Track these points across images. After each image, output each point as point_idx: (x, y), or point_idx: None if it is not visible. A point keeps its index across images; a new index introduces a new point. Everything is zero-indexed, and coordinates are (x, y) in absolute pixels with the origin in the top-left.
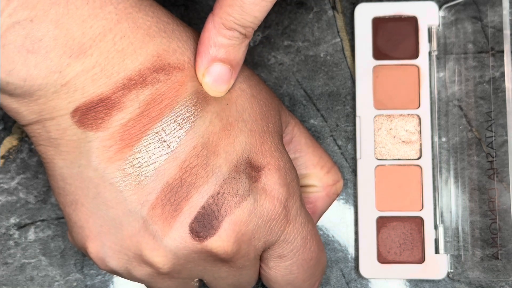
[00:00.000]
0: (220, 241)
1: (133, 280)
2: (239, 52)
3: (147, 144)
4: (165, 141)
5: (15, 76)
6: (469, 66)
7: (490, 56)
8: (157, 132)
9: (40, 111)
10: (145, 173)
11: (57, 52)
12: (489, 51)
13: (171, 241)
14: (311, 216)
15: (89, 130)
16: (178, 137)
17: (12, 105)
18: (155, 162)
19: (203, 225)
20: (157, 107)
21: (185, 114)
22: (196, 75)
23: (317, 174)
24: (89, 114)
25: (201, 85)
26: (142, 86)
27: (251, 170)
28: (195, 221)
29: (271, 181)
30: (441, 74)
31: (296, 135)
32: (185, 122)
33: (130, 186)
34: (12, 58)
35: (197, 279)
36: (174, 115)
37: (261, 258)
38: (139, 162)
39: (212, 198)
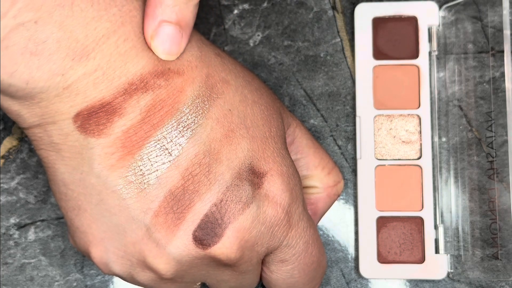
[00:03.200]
0: (224, 248)
1: (136, 284)
2: (187, 11)
3: (149, 152)
4: (166, 148)
5: (17, 78)
6: (469, 66)
7: (490, 56)
8: (158, 140)
9: (42, 114)
10: (147, 181)
11: (60, 55)
12: (489, 51)
13: (174, 249)
14: (312, 219)
15: (91, 136)
16: (180, 144)
17: (13, 107)
18: (157, 170)
19: (206, 233)
20: (158, 114)
21: (186, 121)
22: (195, 77)
23: (318, 175)
24: (91, 119)
25: (200, 89)
26: (143, 92)
27: (253, 177)
28: (199, 229)
29: (274, 187)
30: (441, 74)
31: (298, 136)
32: (186, 130)
33: (133, 193)
34: (15, 59)
35: (199, 283)
36: (175, 122)
37: (263, 261)
38: (141, 170)
39: (215, 206)
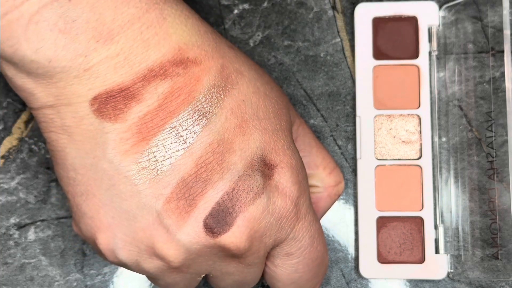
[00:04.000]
0: (234, 237)
1: (140, 273)
2: None
3: (164, 139)
4: (181, 136)
5: (41, 55)
6: (469, 66)
7: (490, 56)
8: (174, 127)
9: (58, 95)
10: (160, 168)
11: (86, 36)
12: (489, 51)
13: (185, 236)
14: None
15: (107, 120)
16: (195, 133)
17: (28, 85)
18: (171, 157)
19: (217, 221)
20: (175, 102)
21: (202, 110)
22: (212, 68)
23: (320, 175)
24: (108, 103)
25: (216, 79)
26: (162, 79)
27: (265, 168)
28: (210, 216)
29: (284, 179)
30: (441, 74)
31: (301, 135)
32: (201, 118)
33: (146, 179)
34: (42, 35)
35: (202, 276)
36: (191, 110)
37: (268, 255)
38: (155, 156)
39: (227, 194)
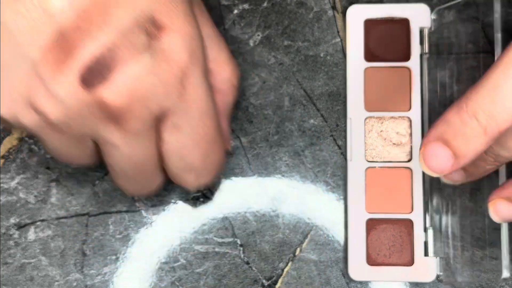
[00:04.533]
0: (110, 91)
1: (22, 129)
2: (468, 145)
3: None
4: None
5: None
6: (469, 66)
7: (490, 56)
8: None
9: None
10: (39, 16)
11: None
12: (489, 51)
13: (59, 87)
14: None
15: None
16: None
17: None
18: (52, 4)
19: (94, 74)
20: None
21: None
22: None
23: (211, 69)
24: None
25: None
26: None
27: (153, 28)
28: (87, 70)
29: (173, 43)
30: (433, 77)
31: (200, 25)
32: None
33: (22, 27)
34: None
35: (90, 140)
36: None
37: (158, 134)
38: (33, 3)
39: (108, 49)
